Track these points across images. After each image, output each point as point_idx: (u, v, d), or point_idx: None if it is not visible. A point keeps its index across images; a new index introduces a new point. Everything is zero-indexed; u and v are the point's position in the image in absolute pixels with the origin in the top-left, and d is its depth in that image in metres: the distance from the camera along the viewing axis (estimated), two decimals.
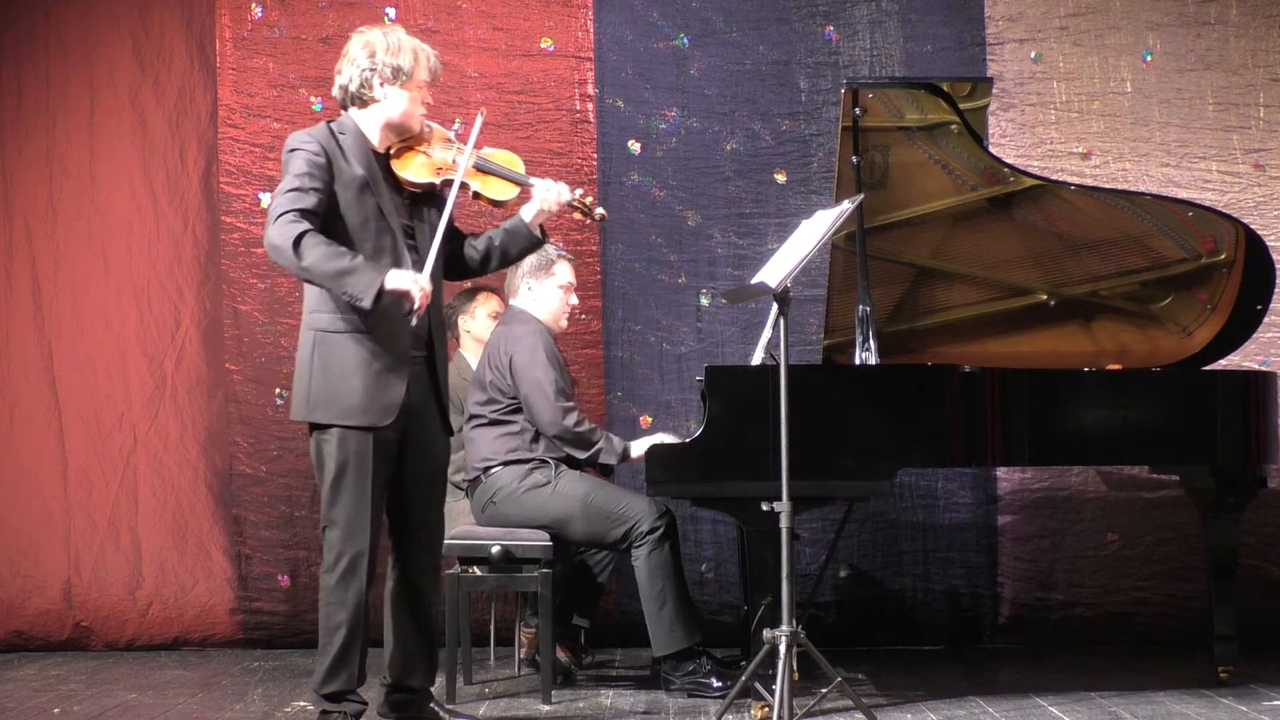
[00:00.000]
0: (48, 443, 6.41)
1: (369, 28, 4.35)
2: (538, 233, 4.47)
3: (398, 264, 4.21)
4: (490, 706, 5.03)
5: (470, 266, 4.49)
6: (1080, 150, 6.35)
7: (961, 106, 5.21)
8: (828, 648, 4.91)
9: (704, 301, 6.39)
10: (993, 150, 5.73)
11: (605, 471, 5.42)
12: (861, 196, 4.89)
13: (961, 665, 5.83)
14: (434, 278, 4.26)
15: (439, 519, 4.47)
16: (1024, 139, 6.34)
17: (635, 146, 6.40)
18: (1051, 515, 6.32)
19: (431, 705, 4.47)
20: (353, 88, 4.28)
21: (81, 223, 6.44)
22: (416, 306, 4.10)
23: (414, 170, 4.32)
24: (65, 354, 6.42)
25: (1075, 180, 6.17)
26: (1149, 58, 6.37)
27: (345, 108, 4.33)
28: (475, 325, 5.90)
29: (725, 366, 5.71)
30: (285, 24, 6.41)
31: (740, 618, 5.93)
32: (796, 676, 4.73)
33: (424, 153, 4.36)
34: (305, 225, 4.06)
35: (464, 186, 4.32)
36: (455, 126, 6.24)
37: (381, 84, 4.26)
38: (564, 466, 5.23)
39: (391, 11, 6.40)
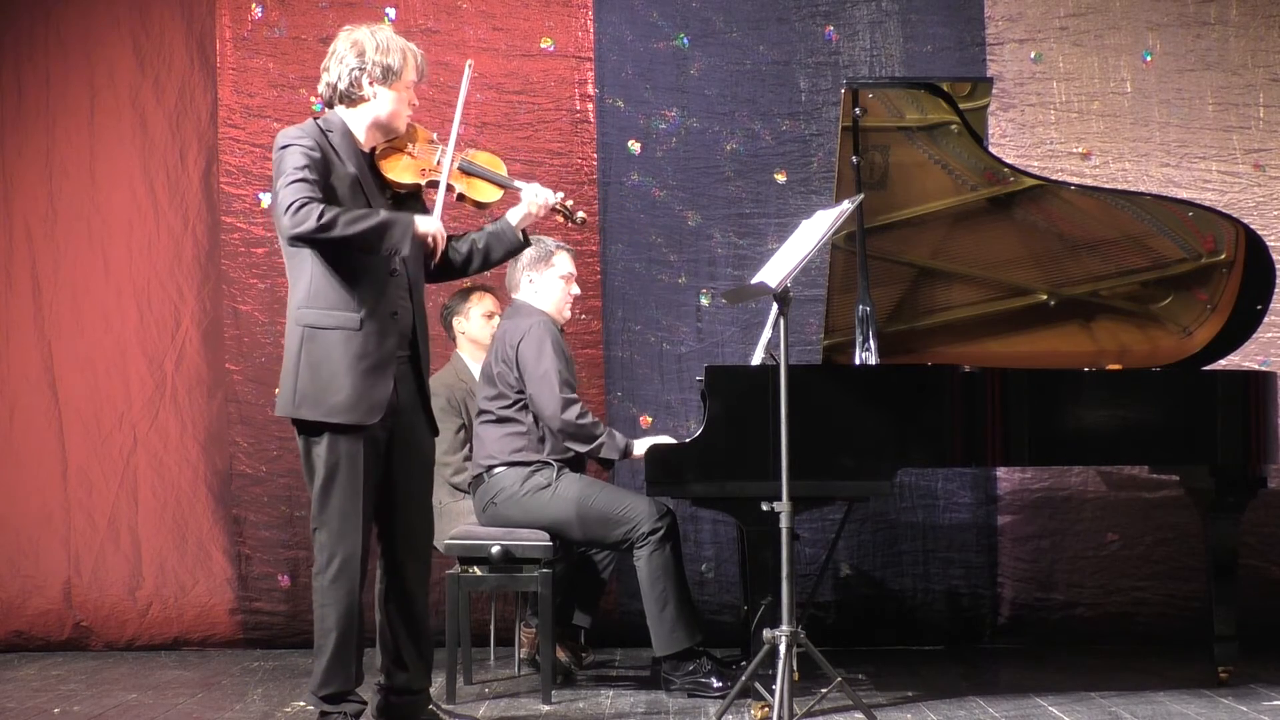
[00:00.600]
0: (48, 443, 6.41)
1: (356, 26, 4.34)
2: (521, 236, 4.49)
3: (389, 264, 4.23)
4: (490, 706, 5.03)
5: (452, 268, 4.51)
6: (1080, 150, 6.35)
7: (961, 106, 5.21)
8: (828, 648, 4.92)
9: (704, 301, 6.39)
10: (993, 150, 5.73)
11: (605, 468, 5.42)
12: (861, 196, 4.88)
13: (961, 665, 5.83)
14: (414, 283, 4.32)
15: (427, 519, 4.47)
16: (1024, 139, 6.34)
17: (635, 146, 6.40)
18: (1051, 515, 6.32)
19: (430, 706, 4.47)
20: (342, 86, 4.28)
21: (81, 223, 6.44)
22: (436, 252, 4.28)
23: (399, 171, 4.33)
24: (65, 354, 6.42)
25: (1075, 180, 6.17)
26: (1149, 58, 6.37)
27: (331, 105, 4.33)
28: (470, 327, 5.90)
29: (725, 366, 5.72)
30: (285, 24, 6.41)
31: (740, 618, 5.93)
32: (796, 676, 4.72)
33: (409, 153, 4.37)
34: (319, 205, 4.08)
35: (449, 188, 4.35)
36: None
37: (371, 83, 4.27)
38: (566, 468, 5.23)
39: (391, 11, 6.40)
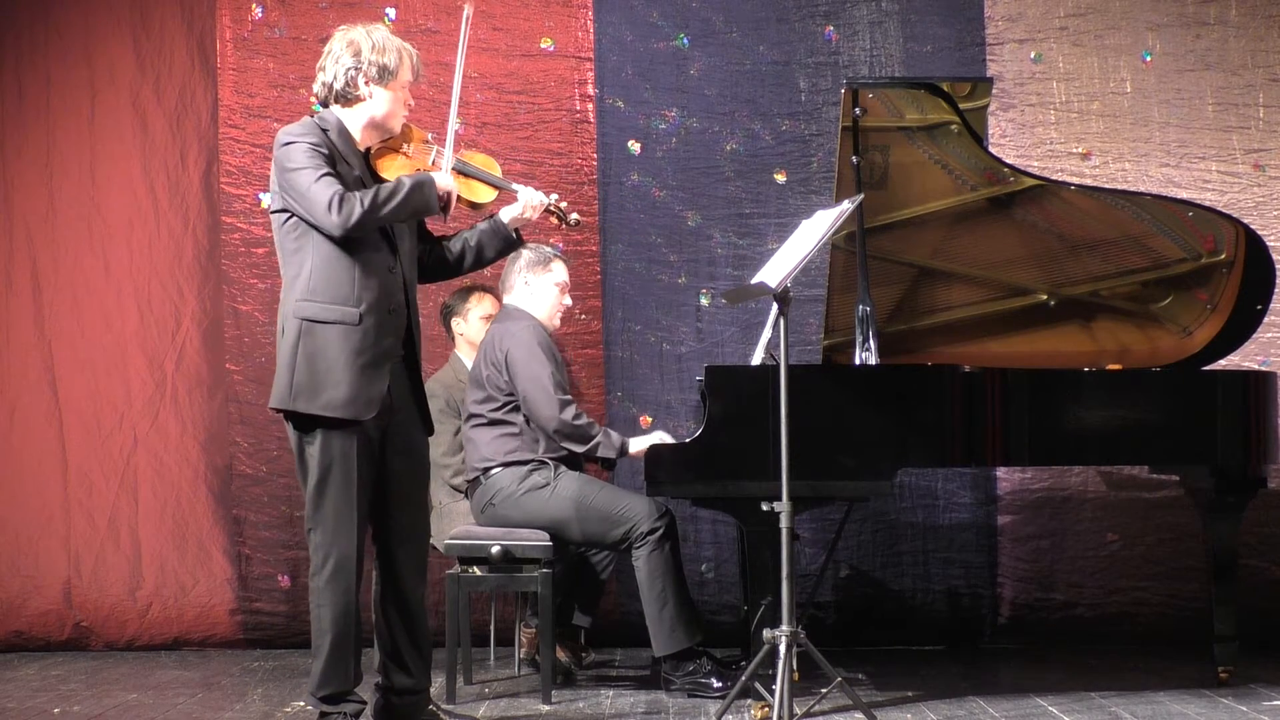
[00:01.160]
0: (48, 443, 6.41)
1: (351, 26, 4.34)
2: (515, 235, 4.50)
3: (391, 262, 4.25)
4: (490, 706, 5.03)
5: (445, 267, 4.52)
6: (1080, 150, 6.35)
7: (961, 106, 5.21)
8: (828, 648, 4.91)
9: (704, 301, 6.39)
10: (993, 150, 5.73)
11: (605, 468, 5.42)
12: (861, 196, 4.88)
13: (961, 665, 5.83)
14: (408, 281, 4.33)
15: (423, 519, 4.47)
16: (1024, 139, 6.34)
17: (635, 146, 6.40)
18: (1051, 515, 6.32)
19: (430, 706, 4.47)
20: (338, 86, 4.28)
21: (82, 223, 6.44)
22: (451, 205, 4.32)
23: (394, 171, 4.34)
24: (65, 354, 6.42)
25: (1075, 180, 6.17)
26: (1149, 58, 6.37)
27: (327, 105, 4.33)
28: (468, 328, 5.90)
29: (725, 366, 5.72)
30: (285, 24, 6.41)
31: (740, 618, 5.93)
32: (796, 676, 4.73)
33: (404, 153, 4.38)
34: (355, 195, 4.13)
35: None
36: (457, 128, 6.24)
37: (367, 83, 4.27)
38: (563, 467, 5.23)
39: (391, 12, 6.40)
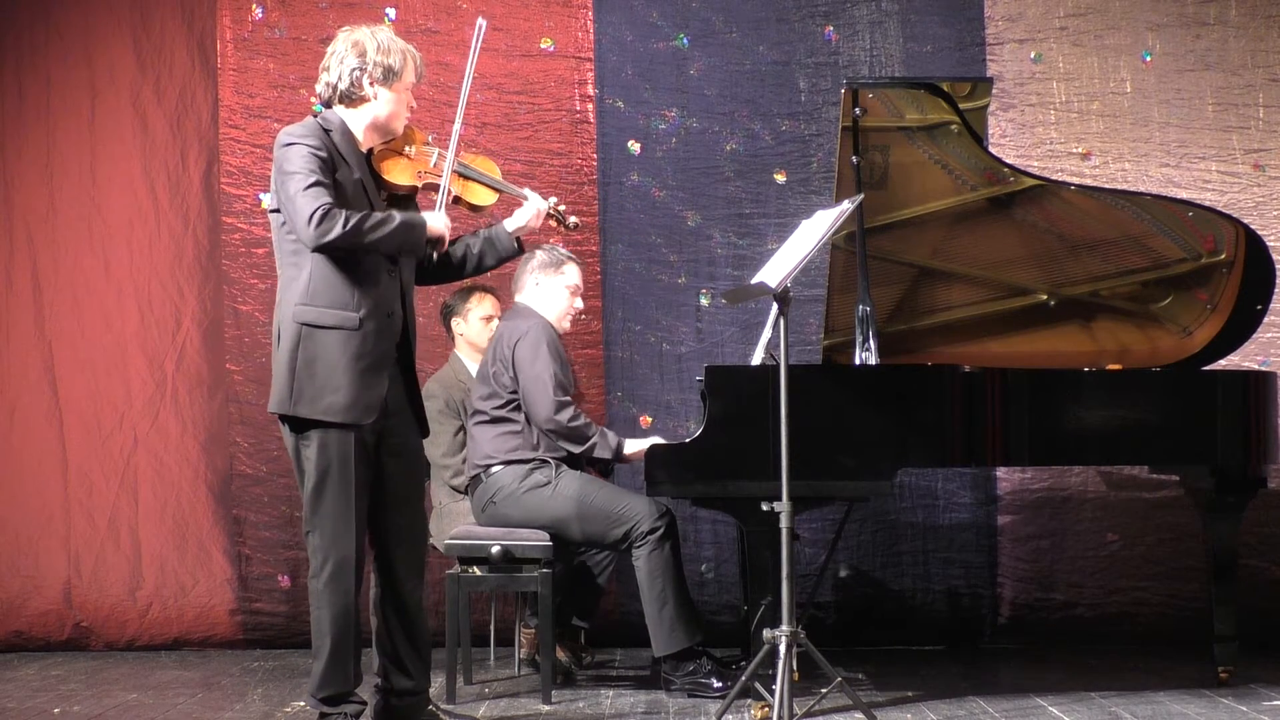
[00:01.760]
0: (48, 443, 6.41)
1: (355, 27, 4.34)
2: (516, 244, 4.50)
3: (391, 265, 4.24)
4: (490, 706, 5.03)
5: (444, 271, 4.52)
6: (1080, 150, 6.35)
7: (961, 106, 5.21)
8: (828, 648, 4.91)
9: (704, 301, 6.39)
10: (993, 150, 5.73)
11: (604, 470, 5.42)
12: (861, 196, 4.88)
13: (961, 665, 5.83)
14: (405, 286, 4.33)
15: (420, 521, 4.46)
16: (1024, 139, 6.34)
17: (635, 147, 6.40)
18: (1051, 515, 6.32)
19: (430, 707, 4.47)
20: (342, 86, 4.27)
21: (82, 223, 6.44)
22: (444, 244, 4.33)
23: (396, 172, 4.34)
24: (66, 354, 6.42)
25: (1075, 180, 6.17)
26: (1148, 58, 6.37)
27: (330, 105, 4.32)
28: (468, 329, 5.89)
29: (725, 366, 5.72)
30: (286, 25, 6.41)
31: (740, 618, 5.93)
32: (796, 676, 4.73)
33: (406, 155, 4.38)
34: (341, 213, 4.09)
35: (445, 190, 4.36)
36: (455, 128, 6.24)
37: (371, 83, 4.26)
38: (564, 467, 5.24)
39: (392, 12, 6.40)
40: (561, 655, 5.46)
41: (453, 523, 5.47)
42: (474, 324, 5.88)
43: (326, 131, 4.23)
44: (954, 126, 5.22)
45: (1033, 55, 6.37)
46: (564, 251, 5.44)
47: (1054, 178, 5.92)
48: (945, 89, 5.21)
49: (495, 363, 5.27)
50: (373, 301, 4.20)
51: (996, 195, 5.36)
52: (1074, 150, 6.35)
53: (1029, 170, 5.61)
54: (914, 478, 6.29)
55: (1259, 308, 5.41)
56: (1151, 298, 5.49)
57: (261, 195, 6.34)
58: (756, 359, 5.27)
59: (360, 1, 6.40)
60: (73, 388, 6.42)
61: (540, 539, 5.12)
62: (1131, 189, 6.18)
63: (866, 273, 5.14)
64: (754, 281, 4.59)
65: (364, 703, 4.31)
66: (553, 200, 4.56)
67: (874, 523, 6.33)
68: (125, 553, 6.37)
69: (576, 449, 5.17)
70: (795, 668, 4.60)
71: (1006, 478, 6.31)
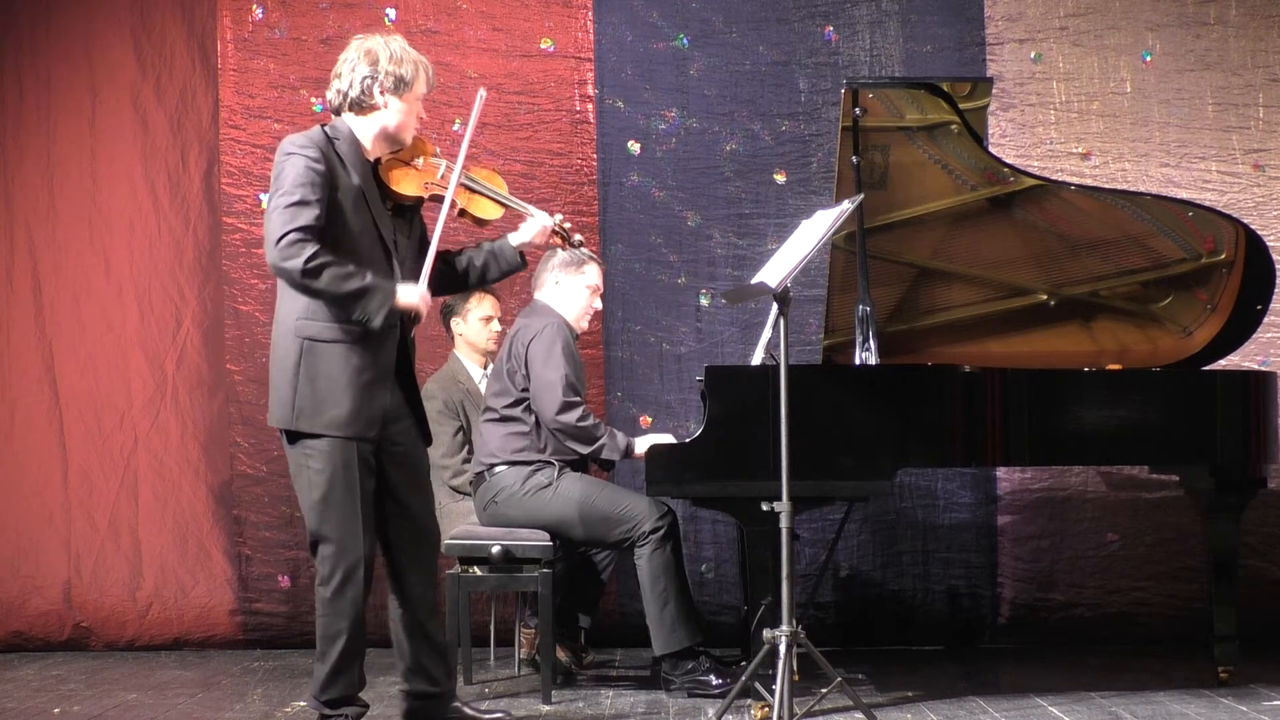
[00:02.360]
0: (48, 443, 6.41)
1: (368, 35, 4.33)
2: (520, 258, 4.51)
3: (389, 276, 4.22)
4: (490, 706, 5.02)
5: (447, 282, 4.52)
6: (1080, 150, 6.35)
7: (961, 106, 5.22)
8: (828, 648, 4.92)
9: (704, 301, 6.39)
10: (993, 150, 5.73)
11: (605, 469, 5.42)
12: (861, 196, 4.88)
13: (961, 665, 5.83)
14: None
15: (429, 527, 4.43)
16: (1024, 139, 6.35)
17: (635, 147, 6.40)
18: (1051, 515, 6.32)
19: (455, 704, 4.46)
20: (353, 94, 4.25)
21: (82, 223, 6.44)
22: (421, 319, 4.24)
23: (403, 183, 4.32)
24: (66, 354, 6.42)
25: (1075, 180, 6.17)
26: (1148, 58, 6.37)
27: (339, 113, 4.31)
28: (467, 329, 5.89)
29: (725, 366, 5.72)
30: (286, 25, 6.41)
31: (740, 618, 5.93)
32: (796, 676, 4.73)
33: (413, 166, 4.37)
34: (312, 246, 4.03)
35: (451, 203, 4.35)
36: (455, 127, 6.25)
37: (382, 92, 4.25)
38: (567, 468, 5.23)
39: (392, 12, 6.40)
40: (561, 655, 5.46)
41: (453, 523, 5.47)
42: (473, 324, 5.88)
43: (333, 140, 4.21)
44: (954, 126, 5.22)
45: (1033, 55, 6.37)
46: (586, 251, 5.42)
47: (1054, 178, 5.92)
48: (945, 89, 5.21)
49: (510, 359, 5.27)
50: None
51: (996, 195, 5.36)
52: (1074, 150, 6.35)
53: (1029, 170, 5.61)
54: (914, 478, 6.29)
55: (1259, 308, 5.41)
56: (1151, 298, 5.49)
57: (262, 195, 6.34)
58: (756, 359, 5.28)
59: (360, 2, 6.41)
60: (73, 388, 6.42)
61: (540, 539, 5.12)
62: (1131, 189, 6.18)
63: (866, 273, 5.14)
64: (754, 281, 4.59)
65: (366, 705, 4.31)
66: (558, 217, 4.55)
67: (874, 523, 6.33)
68: (125, 553, 6.37)
69: (584, 449, 5.17)
70: (795, 668, 4.60)
71: (1006, 478, 6.31)
